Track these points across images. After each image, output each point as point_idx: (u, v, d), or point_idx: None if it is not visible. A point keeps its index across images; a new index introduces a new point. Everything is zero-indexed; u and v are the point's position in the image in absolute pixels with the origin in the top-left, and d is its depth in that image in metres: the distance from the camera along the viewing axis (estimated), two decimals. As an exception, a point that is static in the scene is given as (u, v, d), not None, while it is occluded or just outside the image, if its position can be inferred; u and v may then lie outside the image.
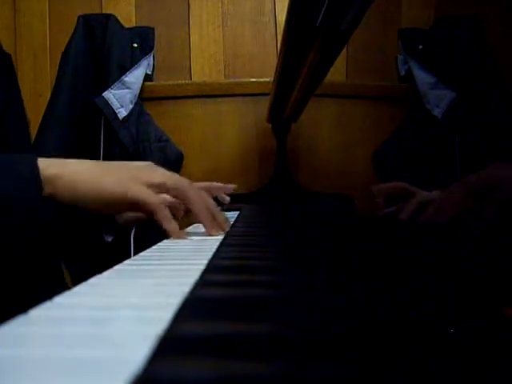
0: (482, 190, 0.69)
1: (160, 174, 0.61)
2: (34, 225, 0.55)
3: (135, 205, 0.59)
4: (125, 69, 1.48)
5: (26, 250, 0.57)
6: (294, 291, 0.28)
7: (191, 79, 1.62)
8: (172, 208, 0.62)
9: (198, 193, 0.62)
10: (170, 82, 1.58)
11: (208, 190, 0.78)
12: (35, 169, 0.54)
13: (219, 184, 0.95)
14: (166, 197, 0.62)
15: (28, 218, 0.53)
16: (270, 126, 1.46)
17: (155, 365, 0.17)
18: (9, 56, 0.86)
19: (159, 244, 0.56)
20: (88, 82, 1.48)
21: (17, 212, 0.52)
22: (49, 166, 0.56)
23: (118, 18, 1.54)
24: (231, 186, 0.95)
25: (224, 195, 0.94)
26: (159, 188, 0.60)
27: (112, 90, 1.45)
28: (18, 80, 0.88)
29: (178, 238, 0.59)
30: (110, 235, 0.75)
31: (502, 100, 1.49)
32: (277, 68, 1.01)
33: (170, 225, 0.59)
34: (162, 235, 0.63)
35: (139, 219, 0.73)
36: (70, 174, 0.57)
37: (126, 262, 0.43)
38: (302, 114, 1.35)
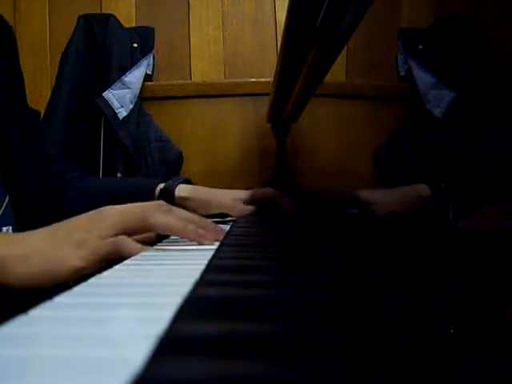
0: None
1: (113, 218, 0.54)
2: None
3: (111, 258, 0.53)
4: (125, 69, 1.48)
5: None
6: (294, 291, 0.28)
7: (191, 79, 1.62)
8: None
9: (160, 214, 0.55)
10: (170, 82, 1.57)
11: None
12: None
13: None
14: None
15: None
16: (270, 125, 1.46)
17: (155, 365, 0.17)
18: (8, 26, 0.82)
19: (159, 244, 0.56)
20: (88, 82, 1.48)
21: None
22: None
23: (118, 18, 1.54)
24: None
25: None
26: (119, 232, 0.53)
27: (112, 90, 1.45)
28: (18, 51, 0.84)
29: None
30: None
31: (502, 100, 1.49)
32: (277, 68, 1.01)
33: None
34: (162, 236, 0.62)
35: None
36: (21, 255, 0.50)
37: (126, 261, 0.43)
38: (301, 113, 1.35)
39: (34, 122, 0.86)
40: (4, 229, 0.71)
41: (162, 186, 0.92)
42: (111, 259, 0.53)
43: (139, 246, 0.53)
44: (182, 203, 0.90)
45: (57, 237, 0.53)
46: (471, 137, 1.45)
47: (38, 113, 0.86)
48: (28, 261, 0.50)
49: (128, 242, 0.52)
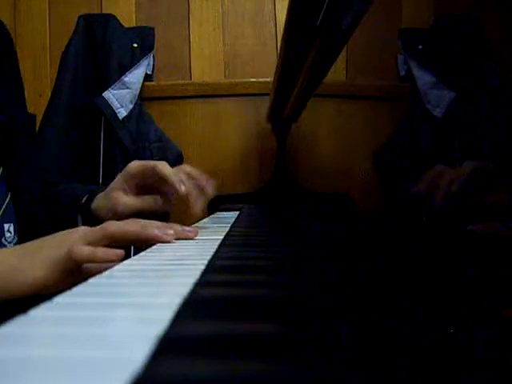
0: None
1: (79, 235, 0.53)
2: None
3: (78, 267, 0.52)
4: (125, 69, 1.48)
5: None
6: (294, 291, 0.28)
7: (191, 79, 1.62)
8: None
9: (125, 228, 0.55)
10: (170, 82, 1.57)
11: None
12: None
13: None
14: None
15: None
16: (270, 126, 1.46)
17: (155, 365, 0.16)
18: (7, 31, 0.84)
19: (159, 244, 0.56)
20: (88, 82, 1.48)
21: None
22: None
23: (118, 18, 1.54)
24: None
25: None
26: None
27: (112, 90, 1.45)
28: (21, 78, 0.86)
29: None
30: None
31: (501, 100, 1.49)
32: (277, 68, 1.01)
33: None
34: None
35: None
36: None
37: (126, 261, 0.43)
38: (301, 113, 1.35)
39: (32, 126, 0.87)
40: (6, 226, 0.71)
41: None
42: (71, 268, 0.52)
43: (90, 248, 0.51)
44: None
45: (25, 251, 0.53)
46: (471, 137, 1.45)
47: (34, 116, 0.87)
48: None
49: (78, 248, 0.51)
